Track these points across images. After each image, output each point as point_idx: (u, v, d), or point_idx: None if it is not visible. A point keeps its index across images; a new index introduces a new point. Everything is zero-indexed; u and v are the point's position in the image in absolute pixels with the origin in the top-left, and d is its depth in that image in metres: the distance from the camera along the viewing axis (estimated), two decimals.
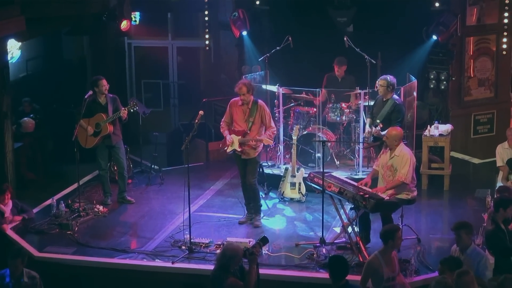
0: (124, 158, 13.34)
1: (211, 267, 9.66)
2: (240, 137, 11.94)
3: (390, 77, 12.64)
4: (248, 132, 11.92)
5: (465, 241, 9.32)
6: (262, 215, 12.48)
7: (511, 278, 8.24)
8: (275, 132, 12.23)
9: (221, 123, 12.21)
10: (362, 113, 13.71)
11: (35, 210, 12.82)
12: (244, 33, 15.53)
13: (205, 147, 15.72)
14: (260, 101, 12.15)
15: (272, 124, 12.10)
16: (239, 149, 11.96)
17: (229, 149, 12.05)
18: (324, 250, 11.02)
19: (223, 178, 14.45)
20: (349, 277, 8.51)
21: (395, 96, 12.73)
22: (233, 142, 11.97)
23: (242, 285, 8.37)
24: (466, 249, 9.31)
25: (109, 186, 13.36)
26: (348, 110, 14.23)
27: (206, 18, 16.71)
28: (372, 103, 13.59)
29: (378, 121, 12.60)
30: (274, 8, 15.96)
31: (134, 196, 13.55)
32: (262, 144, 12.11)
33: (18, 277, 9.28)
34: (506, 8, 15.30)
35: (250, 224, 12.30)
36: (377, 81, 12.92)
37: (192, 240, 11.29)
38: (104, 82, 12.92)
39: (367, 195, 10.61)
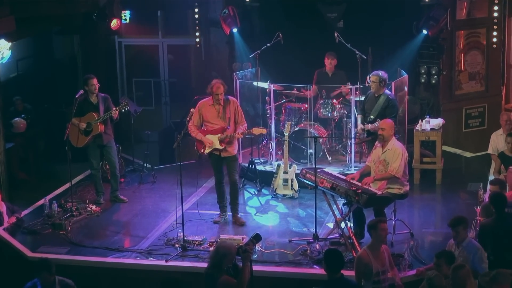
0: (116, 157, 13.33)
1: (204, 265, 9.65)
2: (219, 134, 11.86)
3: (381, 73, 12.65)
4: (228, 127, 11.88)
5: (462, 235, 9.36)
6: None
7: (503, 273, 8.27)
8: (246, 128, 12.10)
9: (189, 127, 11.96)
10: (353, 109, 13.73)
11: (27, 211, 12.81)
12: (235, 30, 15.52)
13: None
14: (231, 97, 12.15)
15: (244, 119, 12.07)
16: (221, 147, 11.90)
17: (207, 150, 11.97)
18: (317, 246, 11.04)
19: None
20: (343, 272, 8.54)
21: (387, 91, 12.74)
22: (212, 142, 11.92)
23: (236, 283, 8.37)
24: (462, 242, 9.37)
25: (102, 185, 13.35)
26: (339, 106, 14.24)
27: (196, 16, 16.69)
28: (363, 98, 13.67)
29: (372, 116, 12.61)
30: (264, 5, 15.96)
31: (126, 195, 13.54)
32: (237, 140, 12.13)
33: (50, 287, 9.01)
34: (496, 1, 15.31)
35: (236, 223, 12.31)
36: (368, 77, 12.94)
37: (185, 238, 11.30)
38: (94, 81, 12.90)
39: (360, 190, 10.62)
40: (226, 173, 12.31)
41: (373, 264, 8.96)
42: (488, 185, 11.55)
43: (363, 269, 8.99)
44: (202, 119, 11.97)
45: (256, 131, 12.02)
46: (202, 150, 12.02)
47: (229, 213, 12.38)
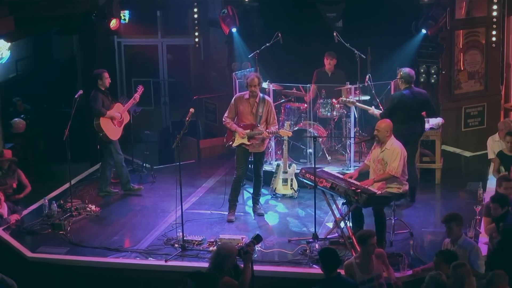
0: None
1: (204, 264, 9.67)
2: (248, 130, 12.12)
3: (404, 70, 12.50)
4: (258, 125, 12.10)
5: (455, 232, 9.43)
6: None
7: (499, 274, 8.29)
8: (277, 128, 12.43)
9: (224, 119, 12.30)
10: (353, 108, 13.72)
11: (27, 211, 12.80)
12: (234, 30, 15.51)
13: (197, 144, 15.71)
14: (267, 96, 12.44)
15: (276, 121, 12.37)
16: (249, 143, 12.14)
17: (235, 143, 12.18)
18: (317, 245, 11.03)
19: (215, 175, 14.45)
20: (341, 271, 8.55)
21: (404, 91, 12.42)
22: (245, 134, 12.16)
23: (237, 284, 8.37)
24: (457, 240, 9.42)
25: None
26: (339, 106, 14.24)
27: (195, 16, 16.70)
28: (363, 98, 13.71)
29: None
30: (263, 5, 15.95)
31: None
32: (267, 140, 12.42)
33: None
34: (495, 0, 15.31)
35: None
36: (367, 76, 12.99)
37: (185, 238, 11.30)
38: (107, 74, 13.12)
39: (359, 190, 10.62)
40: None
41: (357, 274, 9.04)
42: (497, 182, 11.36)
43: (350, 276, 9.09)
44: (236, 112, 12.23)
45: (283, 133, 12.49)
46: (230, 143, 12.27)
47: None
